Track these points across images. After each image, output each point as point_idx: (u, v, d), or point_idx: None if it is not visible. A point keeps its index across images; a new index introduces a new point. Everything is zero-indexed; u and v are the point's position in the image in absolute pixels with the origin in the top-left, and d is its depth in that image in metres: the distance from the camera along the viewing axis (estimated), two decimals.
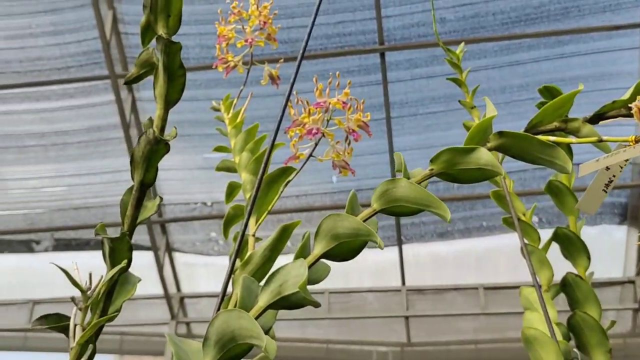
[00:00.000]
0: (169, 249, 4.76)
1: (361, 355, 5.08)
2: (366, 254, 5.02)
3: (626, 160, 0.49)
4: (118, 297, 0.53)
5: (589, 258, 0.82)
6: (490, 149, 0.55)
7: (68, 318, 0.48)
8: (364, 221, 0.54)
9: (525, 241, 0.82)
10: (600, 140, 0.49)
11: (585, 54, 4.47)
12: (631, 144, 0.46)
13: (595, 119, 0.53)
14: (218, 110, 0.86)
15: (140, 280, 0.56)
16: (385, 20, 4.11)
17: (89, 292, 0.47)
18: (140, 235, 4.64)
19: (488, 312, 4.83)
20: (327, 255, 0.54)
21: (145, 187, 0.55)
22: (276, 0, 0.88)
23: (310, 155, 0.70)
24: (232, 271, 0.59)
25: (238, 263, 0.64)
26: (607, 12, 4.37)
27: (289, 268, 0.52)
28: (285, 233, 0.59)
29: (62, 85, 4.18)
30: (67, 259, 4.87)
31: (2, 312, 4.99)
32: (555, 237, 0.82)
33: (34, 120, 4.35)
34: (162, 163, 0.55)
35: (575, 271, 0.82)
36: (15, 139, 4.41)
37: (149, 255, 4.68)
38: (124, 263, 0.49)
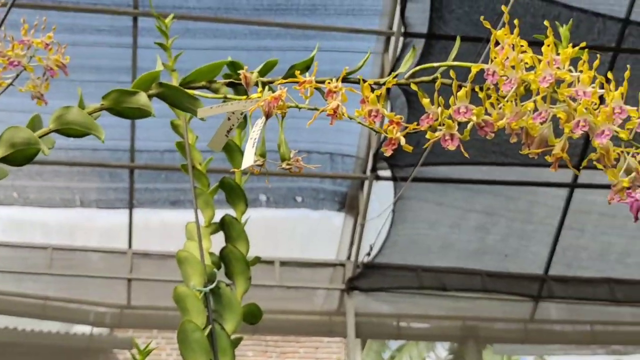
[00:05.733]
0: None
1: (79, 314, 5.08)
2: (95, 215, 5.03)
3: (241, 113, 0.67)
4: None
5: (246, 205, 1.01)
6: (151, 95, 0.71)
7: None
8: (40, 137, 0.67)
9: (197, 185, 0.99)
10: (226, 98, 0.67)
11: (327, 50, 4.82)
12: (243, 99, 0.65)
13: (229, 84, 0.71)
14: None
15: None
16: None
17: None
18: None
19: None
20: (6, 159, 0.67)
21: None
22: None
23: (11, 84, 0.81)
24: None
25: None
26: (349, 15, 4.75)
27: None
28: None
29: None
30: None
31: None
32: (222, 185, 1.00)
33: None
34: None
35: (234, 214, 1.01)
36: None
37: None
38: None
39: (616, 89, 0.58)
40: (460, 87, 0.57)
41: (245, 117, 0.75)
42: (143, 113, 0.69)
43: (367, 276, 5.21)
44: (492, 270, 5.21)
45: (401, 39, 4.35)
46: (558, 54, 0.60)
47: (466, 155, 0.56)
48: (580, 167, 0.67)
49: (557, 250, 5.15)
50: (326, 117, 0.57)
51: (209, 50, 4.59)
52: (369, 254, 5.16)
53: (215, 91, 0.72)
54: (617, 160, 0.57)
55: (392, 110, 4.49)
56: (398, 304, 5.46)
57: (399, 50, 4.40)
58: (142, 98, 0.69)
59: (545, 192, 5.03)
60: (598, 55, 0.58)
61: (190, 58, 4.61)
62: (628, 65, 0.54)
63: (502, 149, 4.56)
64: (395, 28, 4.42)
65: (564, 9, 4.25)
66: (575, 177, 4.73)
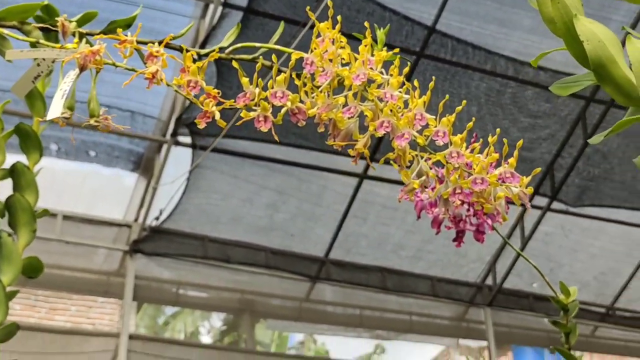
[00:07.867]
0: None
1: None
2: None
3: (52, 61, 0.64)
4: None
5: (41, 154, 0.97)
6: None
7: None
8: None
9: None
10: (37, 42, 0.64)
11: (145, 6, 4.66)
12: (57, 47, 0.62)
13: (43, 29, 0.68)
14: None
15: None
16: None
17: None
18: None
19: None
20: None
21: None
22: None
23: None
24: None
25: None
26: None
27: None
28: None
29: None
30: None
31: None
32: (17, 130, 0.95)
33: None
34: None
35: (27, 162, 0.96)
36: None
37: None
38: None
39: (415, 93, 0.62)
40: (279, 71, 0.59)
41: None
42: None
43: (152, 240, 5.15)
44: (277, 248, 5.35)
45: (220, 8, 4.32)
46: (373, 55, 0.63)
47: (276, 138, 0.58)
48: (372, 161, 0.72)
49: (339, 235, 5.38)
50: (144, 80, 0.57)
51: None
52: (157, 218, 5.10)
53: (27, 33, 0.68)
54: (412, 162, 0.62)
55: None
56: (180, 271, 5.45)
57: (216, 18, 4.36)
58: None
59: (336, 179, 5.24)
60: (409, 63, 0.62)
61: None
62: (434, 77, 0.59)
63: (302, 131, 4.68)
64: None
65: (377, 7, 4.43)
66: (366, 168, 4.97)
